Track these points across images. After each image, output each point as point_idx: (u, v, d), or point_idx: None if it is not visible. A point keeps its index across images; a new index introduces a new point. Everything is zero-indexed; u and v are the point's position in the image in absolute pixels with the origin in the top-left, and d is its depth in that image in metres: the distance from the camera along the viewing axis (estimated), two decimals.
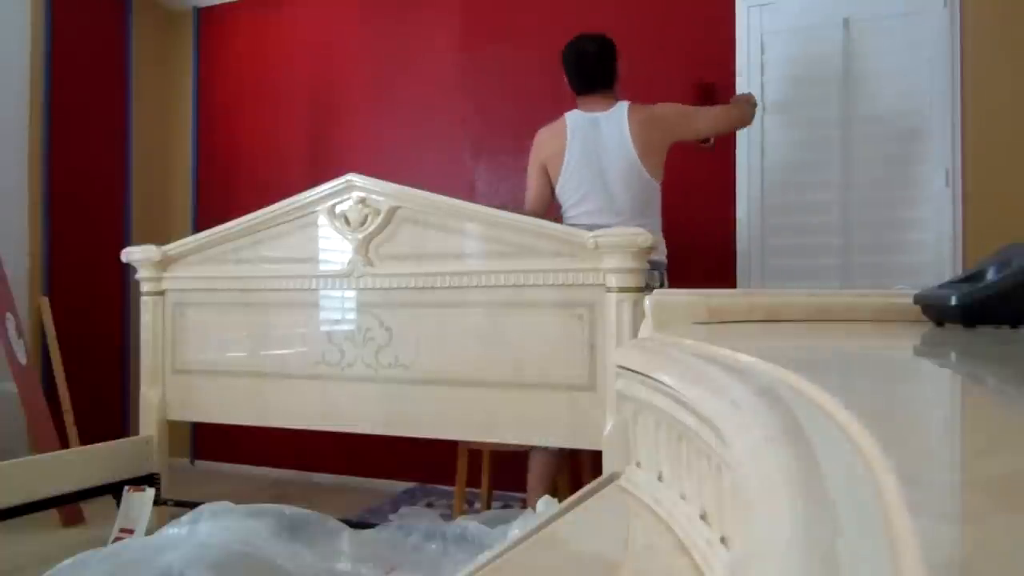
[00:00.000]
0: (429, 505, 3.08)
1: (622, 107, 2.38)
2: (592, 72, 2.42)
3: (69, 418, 3.21)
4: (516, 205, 2.50)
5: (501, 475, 2.83)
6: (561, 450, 2.34)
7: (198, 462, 3.84)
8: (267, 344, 2.38)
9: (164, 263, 2.51)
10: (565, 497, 1.23)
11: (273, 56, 3.80)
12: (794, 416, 0.40)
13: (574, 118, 2.42)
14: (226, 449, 3.75)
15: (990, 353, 0.68)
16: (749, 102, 2.53)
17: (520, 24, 3.28)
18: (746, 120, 2.53)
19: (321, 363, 2.28)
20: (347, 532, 2.08)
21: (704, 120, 2.46)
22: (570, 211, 2.43)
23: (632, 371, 0.83)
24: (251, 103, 3.84)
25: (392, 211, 2.17)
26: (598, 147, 2.37)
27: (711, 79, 2.83)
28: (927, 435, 0.38)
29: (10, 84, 3.26)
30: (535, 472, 2.38)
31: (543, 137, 2.48)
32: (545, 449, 2.33)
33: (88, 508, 2.77)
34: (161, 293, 2.52)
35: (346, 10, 3.66)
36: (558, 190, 2.44)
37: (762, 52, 2.87)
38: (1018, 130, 2.55)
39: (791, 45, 2.83)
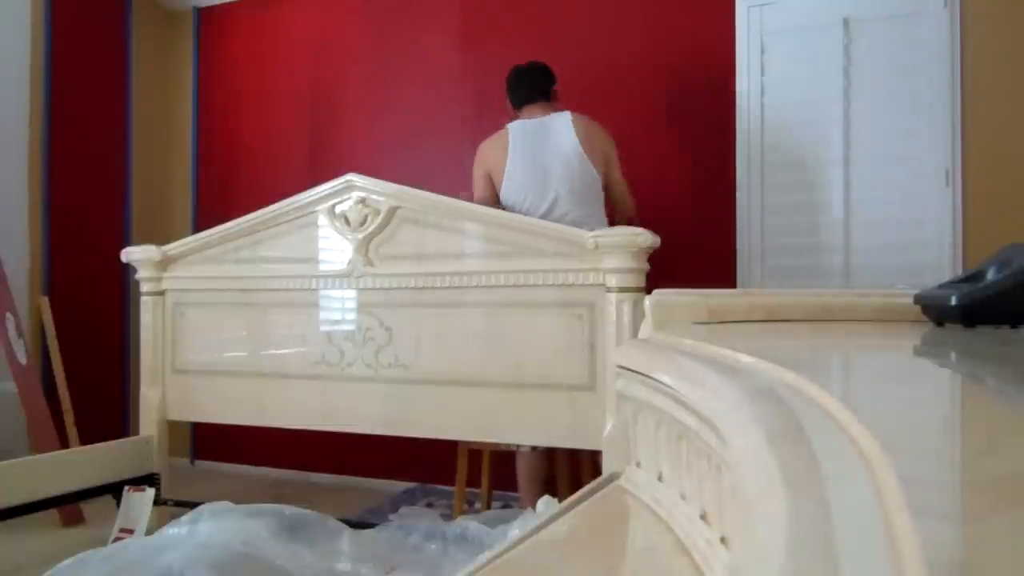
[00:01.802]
0: (429, 505, 3.08)
1: (565, 112, 2.47)
2: (534, 84, 2.55)
3: (69, 418, 3.21)
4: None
5: (501, 475, 2.82)
6: (545, 449, 2.35)
7: (198, 462, 3.84)
8: (267, 344, 2.38)
9: (164, 263, 2.51)
10: (565, 497, 1.23)
11: (273, 56, 3.80)
12: (794, 416, 0.40)
13: (516, 125, 2.50)
14: (226, 449, 3.75)
15: (990, 353, 0.68)
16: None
17: (520, 24, 3.28)
18: (629, 210, 2.58)
19: (321, 363, 2.27)
20: (347, 532, 2.08)
21: (622, 180, 2.54)
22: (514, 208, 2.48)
23: (632, 371, 0.83)
24: (251, 103, 3.84)
25: (392, 211, 2.17)
26: (543, 146, 2.43)
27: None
28: (927, 435, 0.38)
29: (10, 84, 3.26)
30: (523, 474, 2.39)
31: (485, 148, 2.55)
32: (531, 450, 2.34)
33: (88, 508, 2.77)
34: (161, 293, 2.52)
35: (346, 10, 3.66)
36: (503, 195, 2.48)
37: (762, 52, 2.87)
38: (1018, 130, 2.55)
39: (791, 45, 2.83)
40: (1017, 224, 2.50)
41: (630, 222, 2.52)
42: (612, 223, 2.57)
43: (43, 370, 3.28)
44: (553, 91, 2.57)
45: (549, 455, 2.42)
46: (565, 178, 2.40)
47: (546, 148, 2.43)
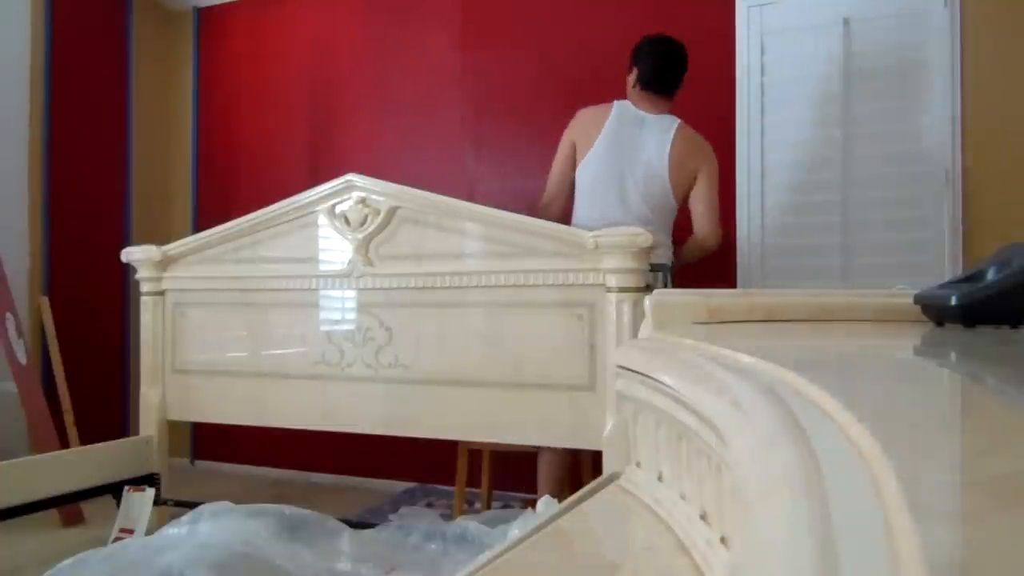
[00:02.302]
0: (429, 505, 3.08)
1: (673, 119, 2.33)
2: (673, 73, 2.37)
3: (69, 418, 3.21)
4: (529, 205, 2.46)
5: (501, 475, 2.82)
6: (568, 449, 2.33)
7: (198, 462, 3.84)
8: (267, 344, 2.38)
9: (164, 263, 2.51)
10: (566, 497, 1.23)
11: (273, 56, 3.80)
12: (794, 416, 0.40)
13: (622, 108, 2.35)
14: (226, 449, 3.75)
15: (990, 353, 0.68)
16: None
17: (520, 24, 3.29)
18: (708, 239, 2.37)
19: (321, 363, 2.27)
20: (347, 532, 2.08)
21: (712, 200, 2.34)
22: (580, 199, 2.36)
23: (632, 371, 0.83)
24: (251, 103, 3.84)
25: (392, 211, 2.17)
26: (632, 146, 2.30)
27: None
28: (927, 435, 0.38)
29: (10, 84, 3.26)
30: (544, 472, 2.36)
31: (582, 115, 2.41)
32: (552, 449, 2.32)
33: (88, 508, 2.77)
34: (161, 293, 2.52)
35: (346, 10, 3.66)
36: (577, 173, 2.37)
37: (762, 52, 2.87)
38: (1018, 130, 2.55)
39: (791, 45, 2.83)
40: (1017, 224, 2.50)
41: (702, 251, 2.39)
42: (680, 247, 2.43)
43: (43, 370, 3.28)
44: (679, 89, 2.40)
45: (570, 453, 2.40)
46: (638, 194, 2.28)
47: (633, 152, 2.29)
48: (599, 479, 0.98)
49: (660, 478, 0.79)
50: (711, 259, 2.86)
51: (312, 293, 2.30)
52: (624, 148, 2.31)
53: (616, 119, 2.33)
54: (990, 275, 0.82)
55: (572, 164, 2.40)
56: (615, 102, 2.38)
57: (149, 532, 2.27)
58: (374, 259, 2.21)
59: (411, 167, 3.39)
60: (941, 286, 0.90)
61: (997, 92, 2.58)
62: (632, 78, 2.39)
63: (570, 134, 2.41)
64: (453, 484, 2.70)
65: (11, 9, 3.28)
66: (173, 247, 2.49)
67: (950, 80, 2.61)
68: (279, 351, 2.36)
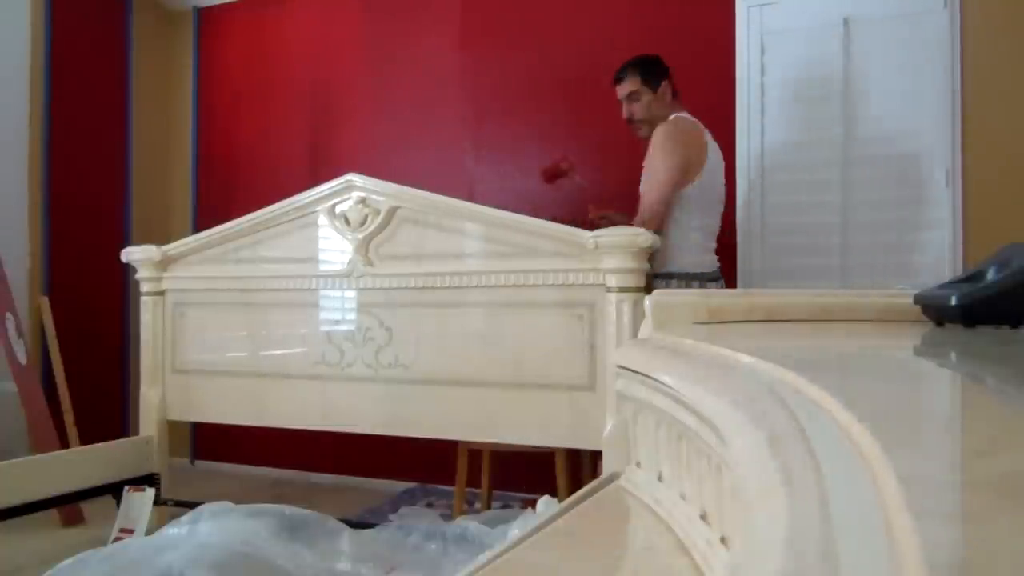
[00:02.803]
0: (429, 505, 3.08)
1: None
2: None
3: (69, 418, 3.21)
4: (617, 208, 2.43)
5: (501, 475, 2.82)
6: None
7: (198, 462, 3.84)
8: (267, 344, 2.38)
9: (164, 263, 2.51)
10: (565, 497, 1.23)
11: (273, 56, 3.80)
12: (794, 416, 0.40)
13: (692, 119, 2.30)
14: (226, 449, 3.75)
15: (990, 353, 0.68)
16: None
17: (520, 24, 3.28)
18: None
19: (321, 363, 2.27)
20: (347, 532, 2.08)
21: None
22: (692, 233, 2.23)
23: (632, 371, 0.83)
24: (251, 103, 3.84)
25: (392, 211, 2.17)
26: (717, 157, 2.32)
27: (566, 164, 2.53)
28: (927, 435, 0.38)
29: (10, 84, 3.26)
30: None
31: (693, 133, 2.26)
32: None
33: (88, 508, 2.77)
34: (161, 293, 2.52)
35: (346, 10, 3.66)
36: (690, 189, 2.21)
37: (762, 52, 2.87)
38: (1018, 130, 2.55)
39: (791, 45, 2.83)
40: (1017, 224, 2.50)
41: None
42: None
43: (43, 370, 3.28)
44: None
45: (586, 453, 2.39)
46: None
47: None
48: (599, 479, 0.98)
49: (660, 478, 0.79)
50: None
51: (312, 293, 2.30)
52: (717, 171, 2.32)
53: (710, 138, 2.29)
54: (990, 275, 0.82)
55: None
56: (686, 115, 2.29)
57: (149, 532, 2.26)
58: (374, 259, 2.21)
59: (411, 167, 3.39)
60: (941, 286, 0.90)
61: (997, 92, 2.58)
62: (669, 89, 2.34)
63: (688, 153, 2.23)
64: (453, 484, 2.70)
65: (11, 9, 3.28)
66: (173, 247, 2.49)
67: (950, 80, 2.61)
68: (279, 351, 2.36)
